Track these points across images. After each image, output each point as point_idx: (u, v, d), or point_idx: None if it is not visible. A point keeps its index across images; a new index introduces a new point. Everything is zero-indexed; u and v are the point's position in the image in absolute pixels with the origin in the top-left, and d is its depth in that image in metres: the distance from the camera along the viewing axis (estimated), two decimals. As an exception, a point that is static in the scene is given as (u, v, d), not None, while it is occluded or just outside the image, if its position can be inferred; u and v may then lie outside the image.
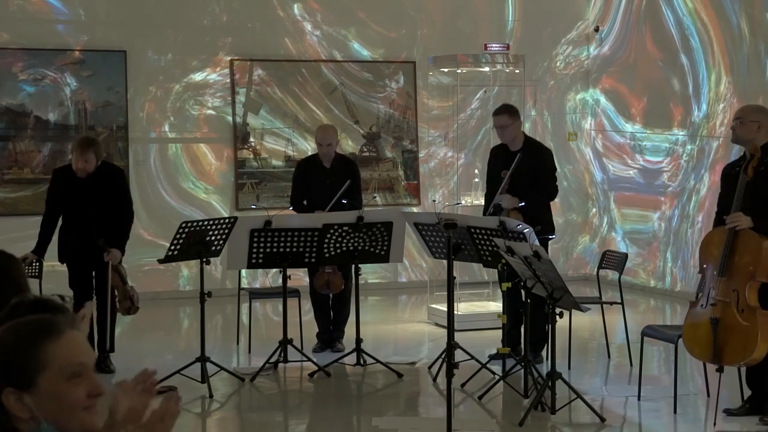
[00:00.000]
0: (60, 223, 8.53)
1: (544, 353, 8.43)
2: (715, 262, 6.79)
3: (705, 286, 6.90)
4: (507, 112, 8.65)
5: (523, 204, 8.44)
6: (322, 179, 9.05)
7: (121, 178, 8.70)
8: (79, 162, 8.30)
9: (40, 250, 8.43)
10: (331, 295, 9.20)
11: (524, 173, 8.46)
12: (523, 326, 8.04)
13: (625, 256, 9.21)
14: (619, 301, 8.73)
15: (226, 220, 8.12)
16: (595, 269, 9.43)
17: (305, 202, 9.13)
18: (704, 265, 6.93)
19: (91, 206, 8.37)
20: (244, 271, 10.99)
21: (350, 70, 12.65)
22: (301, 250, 8.32)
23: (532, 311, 7.72)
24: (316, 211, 8.87)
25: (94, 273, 8.45)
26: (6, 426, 2.39)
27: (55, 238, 8.53)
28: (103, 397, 2.48)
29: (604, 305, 8.91)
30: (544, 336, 8.03)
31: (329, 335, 9.22)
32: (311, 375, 8.35)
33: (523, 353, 7.84)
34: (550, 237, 8.65)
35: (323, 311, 9.24)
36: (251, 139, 12.34)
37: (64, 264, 8.56)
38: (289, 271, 8.55)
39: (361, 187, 9.39)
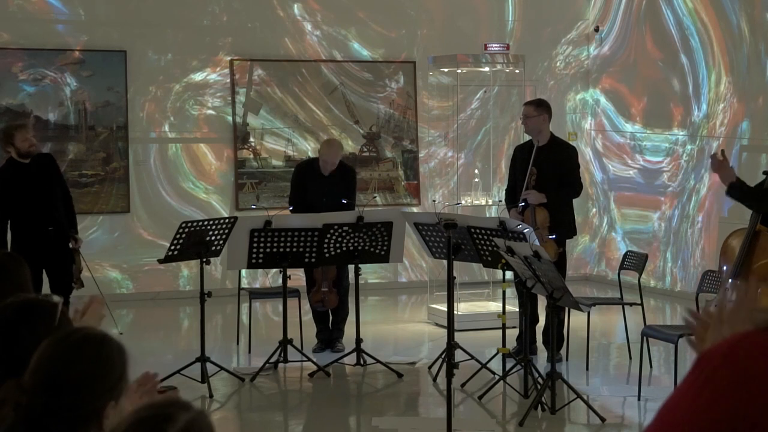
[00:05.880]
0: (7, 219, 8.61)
1: (544, 353, 8.46)
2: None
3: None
4: (534, 104, 8.81)
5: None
6: (320, 185, 9.01)
7: (55, 162, 8.91)
8: (30, 139, 8.48)
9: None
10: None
11: (549, 170, 8.49)
12: (524, 326, 8.06)
13: (645, 256, 9.03)
14: (638, 302, 8.62)
15: (226, 220, 8.12)
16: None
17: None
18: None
19: (41, 192, 8.50)
20: (244, 271, 10.98)
21: (350, 70, 12.65)
22: (301, 250, 8.31)
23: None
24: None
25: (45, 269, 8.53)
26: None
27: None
28: None
29: (623, 305, 8.90)
30: (560, 336, 8.29)
31: (329, 335, 9.22)
32: (311, 375, 8.35)
33: (538, 352, 7.87)
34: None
35: (322, 312, 9.23)
36: (251, 139, 12.34)
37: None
38: (289, 271, 8.55)
39: (355, 192, 9.32)
